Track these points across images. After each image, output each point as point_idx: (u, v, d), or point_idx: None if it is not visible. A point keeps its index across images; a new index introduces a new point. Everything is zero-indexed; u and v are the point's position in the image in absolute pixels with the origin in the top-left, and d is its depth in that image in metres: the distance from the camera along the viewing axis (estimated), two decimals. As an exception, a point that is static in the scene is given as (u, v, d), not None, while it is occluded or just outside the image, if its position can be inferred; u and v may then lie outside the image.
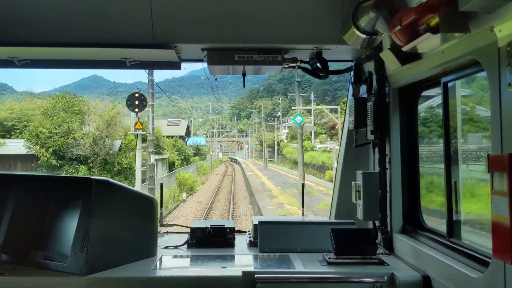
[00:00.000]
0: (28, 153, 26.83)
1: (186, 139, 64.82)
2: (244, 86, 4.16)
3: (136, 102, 20.24)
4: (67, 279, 2.96)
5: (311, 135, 72.92)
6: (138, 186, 21.49)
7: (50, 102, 28.41)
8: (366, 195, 3.70)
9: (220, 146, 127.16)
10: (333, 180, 5.05)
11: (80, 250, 3.01)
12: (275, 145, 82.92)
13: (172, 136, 47.90)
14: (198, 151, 72.90)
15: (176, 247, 3.77)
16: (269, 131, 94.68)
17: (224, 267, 3.23)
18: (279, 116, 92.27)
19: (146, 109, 21.21)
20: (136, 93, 20.64)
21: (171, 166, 42.30)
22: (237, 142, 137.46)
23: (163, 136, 41.08)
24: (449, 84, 3.00)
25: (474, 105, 3.98)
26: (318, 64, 3.92)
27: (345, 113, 4.35)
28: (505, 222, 2.02)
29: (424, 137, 4.14)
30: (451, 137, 3.06)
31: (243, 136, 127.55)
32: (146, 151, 23.43)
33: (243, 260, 3.49)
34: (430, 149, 4.24)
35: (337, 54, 3.90)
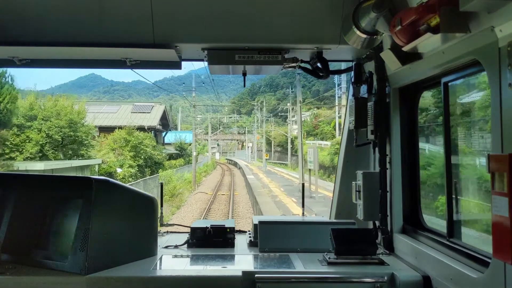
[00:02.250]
0: None
1: (164, 133, 48.55)
2: (244, 86, 4.16)
3: None
4: (67, 278, 2.96)
5: (334, 129, 56.48)
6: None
7: None
8: (366, 195, 3.70)
9: (218, 145, 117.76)
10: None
11: (81, 249, 3.01)
12: (289, 143, 62.72)
13: (119, 128, 32.39)
14: (182, 151, 52.15)
15: (176, 246, 3.78)
16: (277, 127, 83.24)
17: (224, 267, 3.24)
18: (287, 109, 69.45)
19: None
20: None
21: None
22: (237, 140, 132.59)
23: (89, 128, 27.72)
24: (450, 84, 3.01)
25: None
26: (319, 64, 3.92)
27: (345, 113, 4.35)
28: (505, 222, 2.02)
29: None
30: (451, 138, 3.06)
31: (244, 133, 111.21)
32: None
33: (243, 260, 3.49)
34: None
35: (337, 54, 3.89)
